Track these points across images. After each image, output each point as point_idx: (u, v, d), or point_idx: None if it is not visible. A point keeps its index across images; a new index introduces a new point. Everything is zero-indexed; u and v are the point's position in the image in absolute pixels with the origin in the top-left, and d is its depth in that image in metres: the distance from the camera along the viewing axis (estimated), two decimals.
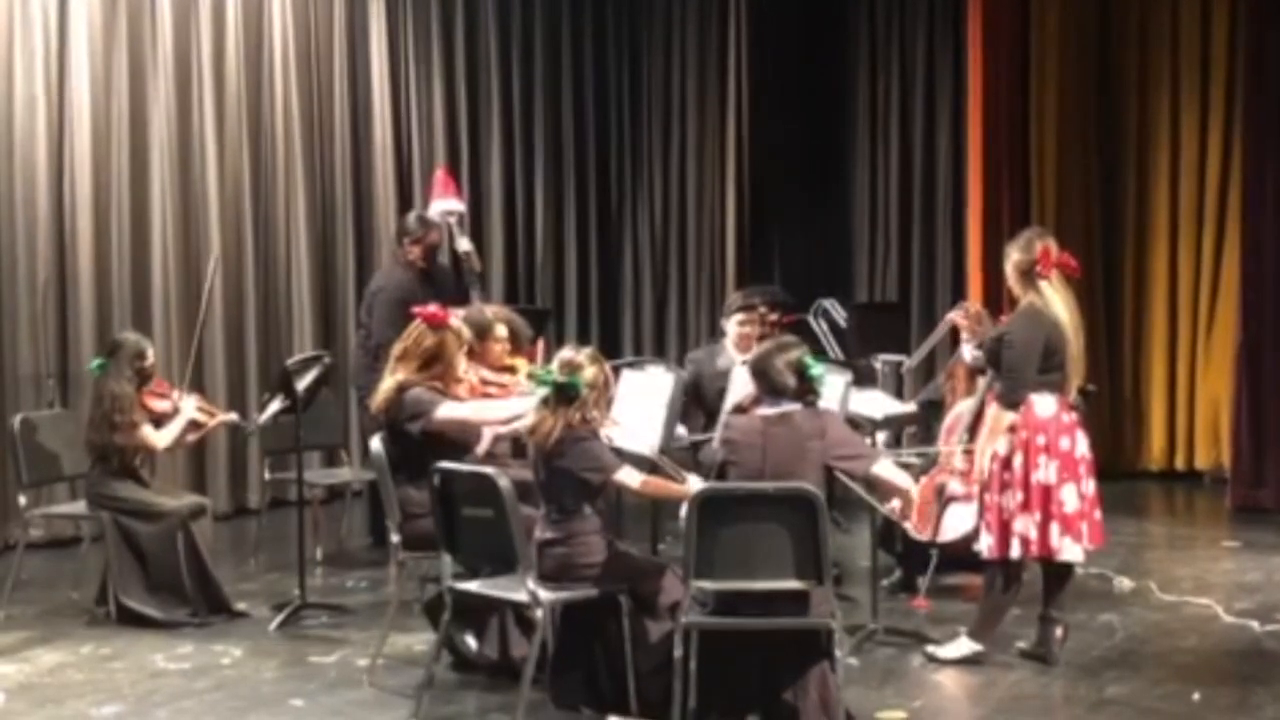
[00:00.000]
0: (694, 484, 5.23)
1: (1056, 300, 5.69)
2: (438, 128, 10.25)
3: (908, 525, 6.70)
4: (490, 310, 6.69)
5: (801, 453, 5.04)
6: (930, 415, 7.10)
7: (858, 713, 5.13)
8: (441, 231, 8.08)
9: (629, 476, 5.16)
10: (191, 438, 7.01)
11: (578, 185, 11.14)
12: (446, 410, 5.71)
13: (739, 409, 5.44)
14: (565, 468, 5.12)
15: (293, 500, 7.69)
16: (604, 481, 5.14)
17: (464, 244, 8.12)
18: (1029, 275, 5.70)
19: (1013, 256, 5.74)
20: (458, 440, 5.75)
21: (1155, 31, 9.92)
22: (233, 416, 7.29)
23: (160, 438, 6.73)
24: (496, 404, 5.87)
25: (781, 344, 5.27)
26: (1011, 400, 5.68)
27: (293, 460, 7.18)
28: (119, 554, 6.54)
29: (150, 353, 6.82)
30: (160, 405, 6.79)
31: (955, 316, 6.42)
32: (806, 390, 5.11)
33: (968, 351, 6.24)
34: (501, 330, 6.40)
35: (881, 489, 5.39)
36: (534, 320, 7.47)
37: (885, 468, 5.21)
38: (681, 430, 6.34)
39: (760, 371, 5.18)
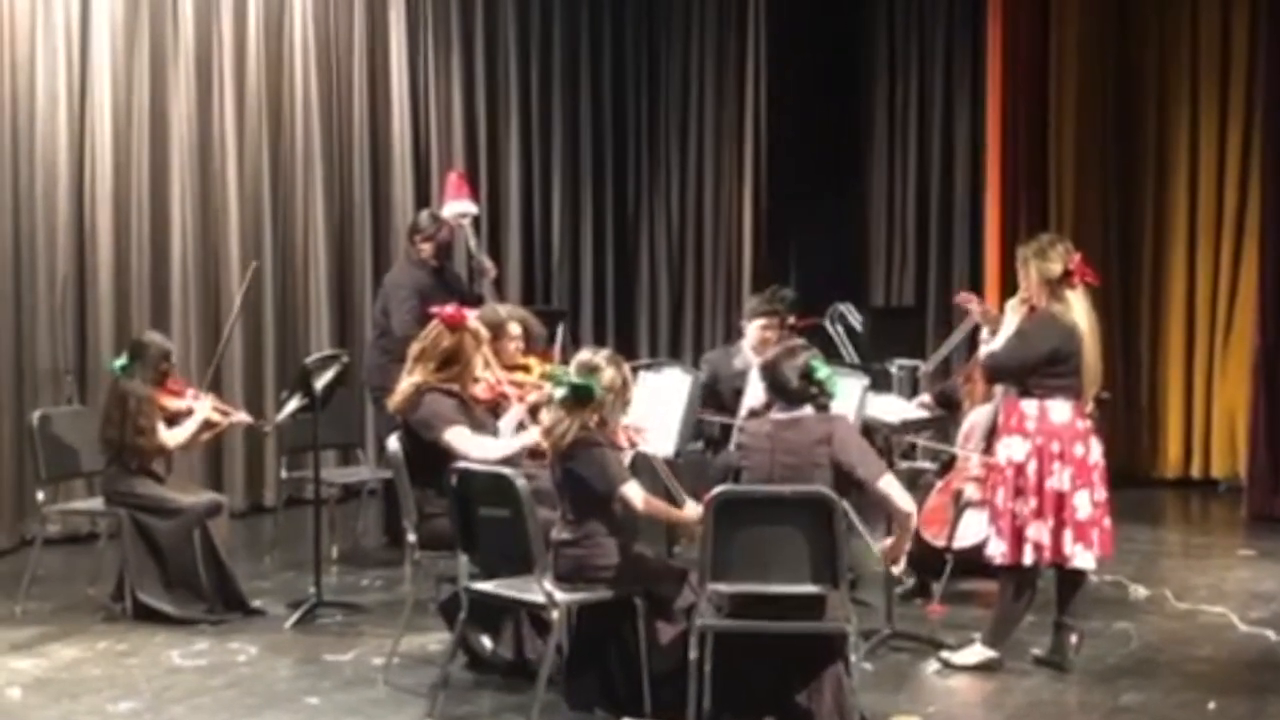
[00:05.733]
0: (692, 509, 5.18)
1: (1078, 307, 5.68)
2: (456, 127, 10.27)
3: (925, 533, 6.69)
4: (504, 309, 6.68)
5: (810, 456, 5.02)
6: (947, 417, 7.07)
7: (872, 717, 5.13)
8: (453, 229, 8.09)
9: (634, 493, 5.11)
10: (205, 437, 7.00)
11: (595, 186, 11.15)
12: (453, 439, 5.67)
13: (753, 413, 5.44)
14: (577, 471, 5.12)
15: (309, 498, 7.69)
16: (609, 493, 5.10)
17: (477, 249, 8.13)
18: (1057, 284, 5.68)
19: (1042, 266, 5.67)
20: None
21: (1174, 35, 9.89)
22: (247, 418, 7.28)
23: (172, 436, 6.71)
24: (499, 444, 5.76)
25: (790, 348, 5.25)
26: (992, 373, 5.92)
27: (309, 458, 7.18)
28: (135, 550, 6.55)
29: (174, 354, 6.84)
30: (175, 404, 6.78)
31: (967, 304, 6.48)
32: (817, 394, 5.12)
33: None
34: (515, 328, 6.40)
35: (883, 505, 5.19)
36: (549, 322, 7.48)
37: (891, 484, 5.06)
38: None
39: (770, 376, 5.19)
